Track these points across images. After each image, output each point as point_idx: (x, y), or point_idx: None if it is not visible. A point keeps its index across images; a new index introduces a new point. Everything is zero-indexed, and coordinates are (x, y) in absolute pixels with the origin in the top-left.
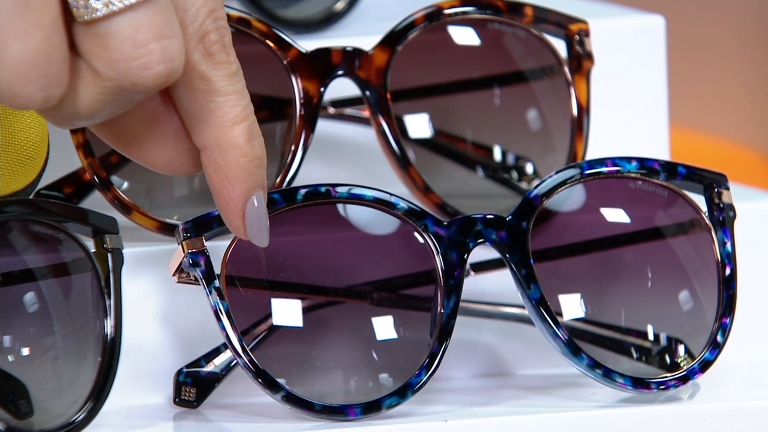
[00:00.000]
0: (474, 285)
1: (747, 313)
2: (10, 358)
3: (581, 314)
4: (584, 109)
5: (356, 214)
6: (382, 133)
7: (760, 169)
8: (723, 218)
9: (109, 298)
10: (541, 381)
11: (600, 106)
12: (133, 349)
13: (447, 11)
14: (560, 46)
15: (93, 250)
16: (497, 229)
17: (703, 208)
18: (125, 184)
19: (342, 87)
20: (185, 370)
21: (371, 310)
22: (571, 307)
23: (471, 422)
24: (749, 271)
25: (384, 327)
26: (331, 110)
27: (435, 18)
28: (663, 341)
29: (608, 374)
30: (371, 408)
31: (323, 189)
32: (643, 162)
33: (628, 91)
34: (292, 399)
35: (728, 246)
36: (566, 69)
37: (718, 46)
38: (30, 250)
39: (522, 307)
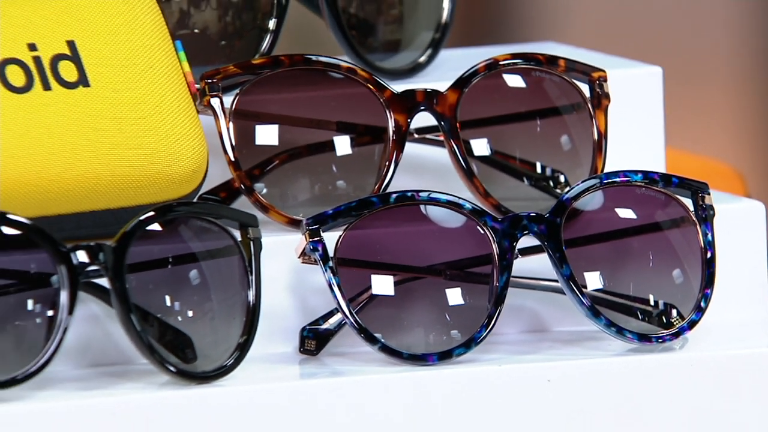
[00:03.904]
0: (521, 265)
1: (723, 286)
2: (180, 318)
3: (600, 286)
4: (603, 136)
5: (434, 212)
6: (453, 153)
7: (733, 180)
8: (705, 216)
9: (251, 274)
10: (570, 336)
11: (615, 133)
12: (268, 313)
13: (501, 62)
14: (585, 88)
15: (239, 239)
16: (538, 224)
17: (691, 208)
18: (264, 190)
19: (423, 119)
20: (307, 327)
21: (445, 283)
22: (593, 281)
23: (518, 366)
24: (725, 254)
25: (454, 296)
26: (416, 136)
27: (493, 67)
28: (660, 306)
29: (620, 331)
30: (445, 356)
31: (409, 194)
32: (646, 174)
33: (635, 123)
34: (385, 349)
35: (709, 236)
36: (589, 106)
37: (702, 82)
38: (194, 239)
39: (556, 281)
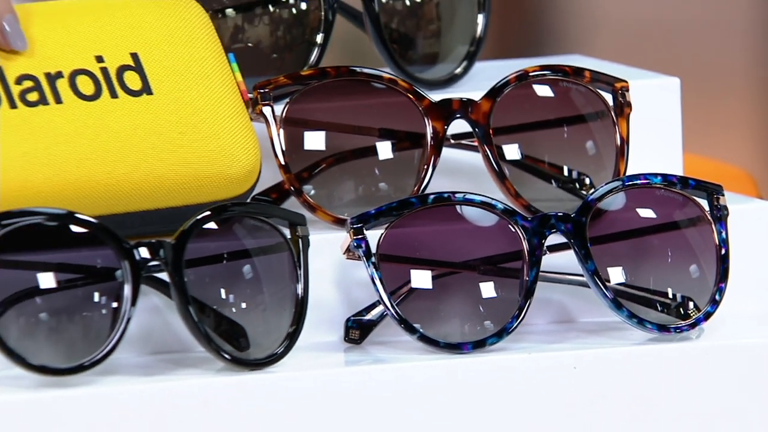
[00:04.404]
0: (549, 261)
1: (736, 280)
2: (234, 309)
3: (622, 280)
4: (625, 141)
5: (468, 212)
6: (486, 157)
7: (746, 182)
8: (720, 215)
9: (300, 269)
10: (594, 326)
11: (636, 139)
12: (315, 304)
13: (531, 74)
14: (608, 97)
15: (289, 236)
16: (565, 223)
17: (706, 208)
18: (312, 192)
19: (459, 126)
20: (352, 318)
21: (479, 277)
22: (615, 275)
23: (546, 354)
24: (738, 251)
25: (487, 289)
26: (452, 141)
27: (523, 78)
28: (678, 299)
29: (641, 322)
30: (479, 344)
31: (446, 195)
32: (665, 176)
33: (655, 130)
34: (423, 338)
35: (723, 234)
36: (612, 114)
37: (719, 93)
38: (247, 236)
39: (581, 276)
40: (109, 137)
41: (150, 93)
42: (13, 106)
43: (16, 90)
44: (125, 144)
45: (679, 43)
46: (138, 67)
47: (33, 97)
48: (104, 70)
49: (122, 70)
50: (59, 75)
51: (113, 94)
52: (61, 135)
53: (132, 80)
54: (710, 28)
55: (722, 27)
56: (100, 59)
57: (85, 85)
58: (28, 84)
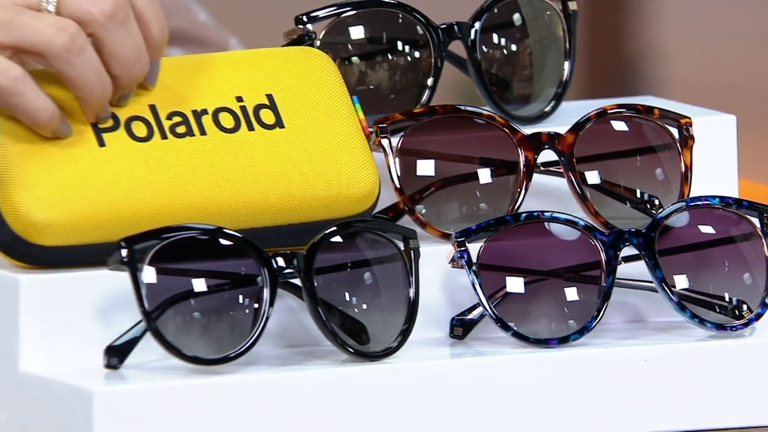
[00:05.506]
0: (623, 269)
1: None
2: (356, 310)
3: (686, 286)
4: (689, 168)
5: (555, 228)
6: (570, 182)
7: None
8: None
9: (412, 276)
10: (662, 325)
11: (698, 167)
12: (425, 306)
13: (609, 111)
14: (674, 131)
15: (402, 248)
16: (637, 237)
17: (758, 225)
18: (422, 210)
19: (547, 155)
20: (456, 317)
21: (563, 283)
22: (680, 282)
23: (621, 349)
24: None
25: (571, 293)
26: (541, 168)
27: (602, 115)
28: (734, 302)
29: (702, 322)
30: (563, 340)
31: (536, 214)
32: (722, 198)
33: (715, 159)
34: (516, 335)
35: None
36: (678, 145)
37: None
38: (367, 248)
39: (651, 282)
40: (246, 163)
41: (282, 126)
42: (164, 137)
43: (167, 124)
44: (260, 168)
45: (737, 82)
46: (272, 106)
47: (181, 129)
48: (243, 108)
49: (258, 108)
50: (204, 112)
51: (250, 127)
52: (204, 160)
53: (267, 116)
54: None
55: None
56: (239, 99)
57: (227, 120)
58: (177, 119)
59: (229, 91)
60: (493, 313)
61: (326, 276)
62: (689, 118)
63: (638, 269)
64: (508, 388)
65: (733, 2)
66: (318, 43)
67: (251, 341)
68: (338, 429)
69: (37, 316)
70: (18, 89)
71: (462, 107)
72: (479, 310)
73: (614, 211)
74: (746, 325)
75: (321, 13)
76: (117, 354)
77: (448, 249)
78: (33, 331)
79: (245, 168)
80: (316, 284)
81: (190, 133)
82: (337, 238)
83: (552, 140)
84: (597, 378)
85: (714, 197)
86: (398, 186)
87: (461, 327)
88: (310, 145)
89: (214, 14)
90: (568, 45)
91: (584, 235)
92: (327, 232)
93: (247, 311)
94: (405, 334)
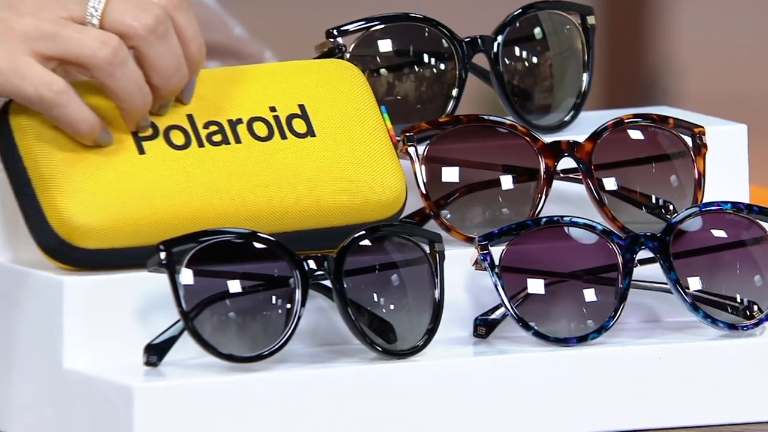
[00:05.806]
0: (639, 272)
1: None
2: (384, 310)
3: (699, 288)
4: (702, 175)
5: (574, 232)
6: (589, 188)
7: None
8: None
9: (437, 278)
10: (676, 325)
11: (711, 174)
12: (449, 306)
13: (626, 120)
14: (688, 140)
15: (428, 251)
16: (652, 241)
17: None
18: (447, 215)
19: (567, 162)
20: (479, 317)
21: (582, 285)
22: (694, 284)
23: (636, 347)
24: None
25: (589, 294)
26: (561, 175)
27: (619, 124)
28: (745, 303)
29: (714, 322)
30: (582, 339)
31: (555, 218)
32: (734, 203)
33: (726, 166)
34: (537, 334)
35: None
36: (692, 153)
37: None
38: (395, 251)
39: (666, 284)
40: (279, 169)
41: (314, 135)
42: (201, 145)
43: (204, 133)
44: (292, 175)
45: (749, 93)
46: (304, 115)
47: (217, 138)
48: (276, 118)
49: (291, 117)
50: (239, 121)
51: (283, 136)
52: (239, 167)
53: (299, 125)
54: None
55: None
56: (273, 109)
57: (260, 129)
58: (213, 128)
59: (263, 102)
60: (515, 313)
61: (355, 278)
62: (702, 127)
63: (653, 271)
64: (528, 385)
65: (746, 19)
66: (348, 55)
67: (284, 340)
68: (367, 422)
69: (81, 317)
70: (61, 101)
71: (485, 117)
72: (501, 310)
73: (631, 216)
74: (757, 324)
75: (351, 27)
76: (156, 352)
77: (471, 252)
78: (76, 330)
79: (278, 175)
80: (345, 286)
81: (225, 141)
82: (366, 242)
83: (571, 148)
84: (614, 375)
85: (726, 203)
86: (424, 192)
87: (484, 326)
88: (340, 153)
89: (250, 28)
90: (586, 57)
91: (602, 239)
92: (356, 235)
93: (279, 311)
94: (431, 333)
